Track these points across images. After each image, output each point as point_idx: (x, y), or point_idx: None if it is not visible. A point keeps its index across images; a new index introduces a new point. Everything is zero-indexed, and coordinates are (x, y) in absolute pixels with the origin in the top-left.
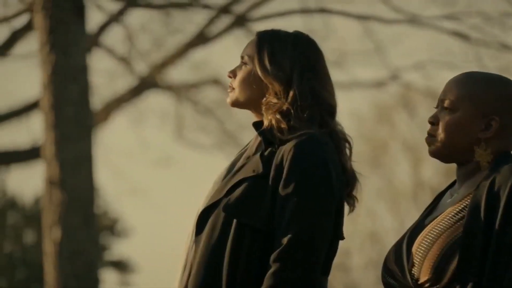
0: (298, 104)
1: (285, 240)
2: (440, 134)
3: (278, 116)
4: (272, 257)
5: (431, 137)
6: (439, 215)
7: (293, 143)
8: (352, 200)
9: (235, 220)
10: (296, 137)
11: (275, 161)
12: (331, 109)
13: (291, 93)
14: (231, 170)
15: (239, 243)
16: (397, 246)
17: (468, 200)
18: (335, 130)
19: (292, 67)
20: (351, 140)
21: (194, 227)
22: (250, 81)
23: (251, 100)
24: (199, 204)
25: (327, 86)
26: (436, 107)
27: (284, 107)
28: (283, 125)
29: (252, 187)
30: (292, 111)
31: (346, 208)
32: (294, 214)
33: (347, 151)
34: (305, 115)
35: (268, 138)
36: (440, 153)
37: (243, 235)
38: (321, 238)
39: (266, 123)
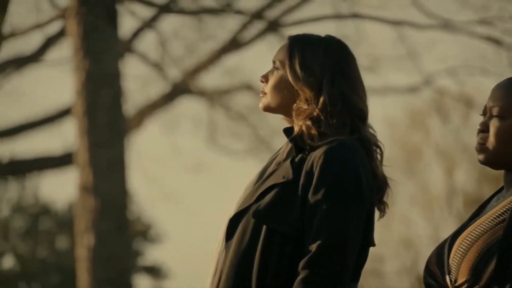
0: (328, 110)
1: (314, 246)
2: (492, 141)
3: (308, 122)
4: (301, 263)
5: (481, 145)
6: None
7: (323, 149)
8: (382, 206)
9: (264, 226)
10: (326, 143)
11: (305, 167)
12: (362, 115)
13: (321, 99)
14: (263, 176)
15: (269, 248)
16: (440, 248)
17: (511, 204)
18: (366, 136)
19: (323, 72)
20: (382, 145)
21: (225, 233)
22: (282, 86)
23: (282, 105)
24: (231, 209)
25: (359, 91)
26: (483, 115)
27: (315, 113)
28: (313, 131)
29: (282, 193)
30: (322, 117)
31: (377, 214)
32: (324, 220)
33: (378, 157)
34: (335, 121)
35: (299, 144)
36: (492, 161)
37: (272, 241)
38: (350, 244)
39: (296, 129)
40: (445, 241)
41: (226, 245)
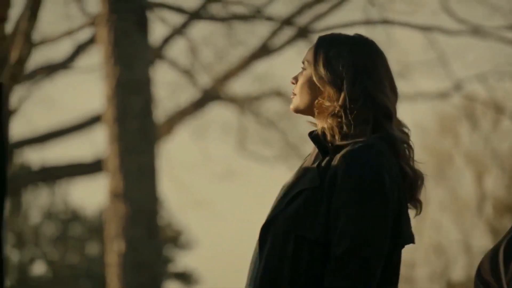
0: (348, 106)
1: (337, 251)
2: None
3: (330, 120)
4: (327, 269)
5: None
6: None
7: (345, 151)
8: (417, 203)
9: (292, 234)
10: (349, 145)
11: (330, 172)
12: (388, 112)
13: (342, 96)
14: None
15: (299, 255)
16: (493, 255)
17: None
18: (391, 133)
19: (346, 70)
20: (412, 143)
21: (258, 240)
22: (308, 85)
23: (310, 105)
24: (265, 216)
25: (384, 89)
26: None
27: (335, 110)
28: (335, 129)
29: (309, 198)
30: (342, 113)
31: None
32: (346, 224)
33: (408, 154)
34: (356, 118)
35: (323, 145)
36: None
37: (301, 247)
38: (374, 247)
39: (319, 127)
40: (497, 248)
41: (260, 253)
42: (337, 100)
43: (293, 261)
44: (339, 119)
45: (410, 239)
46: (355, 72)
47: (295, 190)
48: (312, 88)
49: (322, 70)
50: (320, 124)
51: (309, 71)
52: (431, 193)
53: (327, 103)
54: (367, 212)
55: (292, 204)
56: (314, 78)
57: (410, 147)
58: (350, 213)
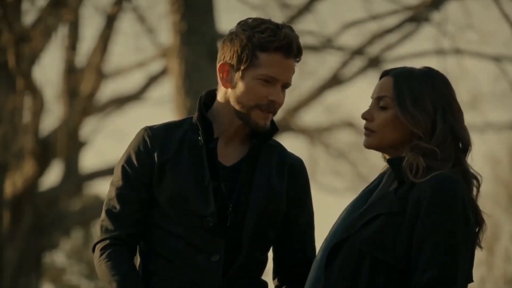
0: (439, 145)
1: (423, 279)
2: None
3: (421, 158)
4: None
5: None
6: None
7: (430, 183)
8: (479, 240)
9: (369, 256)
10: (433, 177)
11: (412, 200)
12: (467, 148)
13: (434, 136)
14: (357, 206)
15: (374, 278)
16: None
17: None
18: (467, 169)
19: (435, 108)
20: (481, 178)
21: (324, 261)
22: (393, 123)
23: (394, 144)
24: (323, 238)
25: (463, 124)
26: None
27: (428, 150)
28: (421, 165)
29: (388, 223)
30: (432, 151)
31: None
32: (434, 253)
33: (475, 190)
34: (443, 155)
35: (402, 176)
36: None
37: (378, 271)
38: (460, 279)
39: (406, 163)
40: None
41: (325, 272)
42: (429, 139)
43: (368, 283)
44: (427, 156)
45: (472, 278)
46: (443, 110)
47: (371, 213)
48: (398, 126)
49: (411, 109)
50: (408, 160)
51: (394, 108)
52: (503, 224)
53: (420, 143)
54: (456, 243)
55: (368, 227)
56: (402, 117)
57: (478, 183)
58: (438, 242)
